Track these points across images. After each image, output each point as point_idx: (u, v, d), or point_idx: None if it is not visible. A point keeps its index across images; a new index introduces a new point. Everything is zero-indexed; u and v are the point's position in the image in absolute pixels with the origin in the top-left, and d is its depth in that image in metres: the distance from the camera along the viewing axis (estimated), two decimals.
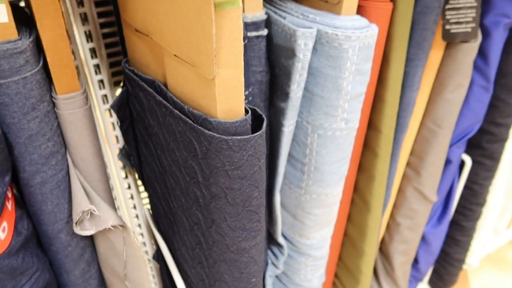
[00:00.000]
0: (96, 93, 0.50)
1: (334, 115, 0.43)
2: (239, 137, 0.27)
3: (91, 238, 0.42)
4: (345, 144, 0.46)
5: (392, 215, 0.68)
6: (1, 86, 0.30)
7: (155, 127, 0.35)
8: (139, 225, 0.64)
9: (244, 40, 0.33)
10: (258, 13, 0.38)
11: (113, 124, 0.53)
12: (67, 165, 0.36)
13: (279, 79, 0.43)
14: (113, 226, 0.36)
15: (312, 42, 0.39)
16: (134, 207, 0.62)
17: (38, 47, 0.32)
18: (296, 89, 0.41)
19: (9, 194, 0.35)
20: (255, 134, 0.28)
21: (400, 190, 0.66)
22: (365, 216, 0.59)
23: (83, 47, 0.46)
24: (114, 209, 0.43)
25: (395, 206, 0.67)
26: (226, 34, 0.24)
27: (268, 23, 0.41)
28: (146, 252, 0.67)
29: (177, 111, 0.30)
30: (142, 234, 0.65)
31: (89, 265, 0.43)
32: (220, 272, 0.38)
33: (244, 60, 0.36)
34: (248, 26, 0.36)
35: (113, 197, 0.58)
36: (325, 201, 0.49)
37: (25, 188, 0.35)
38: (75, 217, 0.34)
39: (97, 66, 0.48)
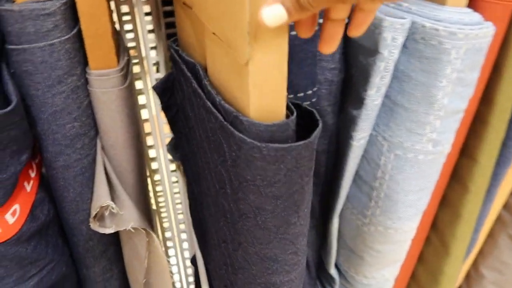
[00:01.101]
0: (151, 76, 0.46)
1: (420, 133, 0.34)
2: (276, 145, 0.20)
3: (116, 235, 0.38)
4: (429, 172, 0.36)
5: (475, 264, 0.57)
6: (25, 51, 0.26)
7: (192, 119, 0.29)
8: (184, 223, 0.60)
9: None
10: None
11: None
12: (95, 151, 0.32)
13: (355, 81, 0.35)
14: (134, 229, 0.31)
15: (403, 37, 0.30)
16: (181, 203, 0.57)
17: (75, 13, 0.28)
18: (374, 95, 0.33)
19: (32, 173, 0.32)
20: (298, 143, 0.21)
21: (491, 235, 0.54)
22: (442, 260, 0.49)
23: (142, 23, 0.42)
24: (146, 206, 0.38)
25: (481, 254, 0.56)
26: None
27: None
28: (181, 253, 0.63)
29: (209, 103, 0.25)
30: (184, 232, 0.60)
31: (112, 264, 0.39)
32: None
33: (312, 52, 0.29)
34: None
35: (151, 192, 0.55)
36: (393, 237, 0.40)
37: (48, 170, 0.32)
38: (93, 211, 0.30)
39: (154, 48, 0.44)
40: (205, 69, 0.27)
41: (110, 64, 0.29)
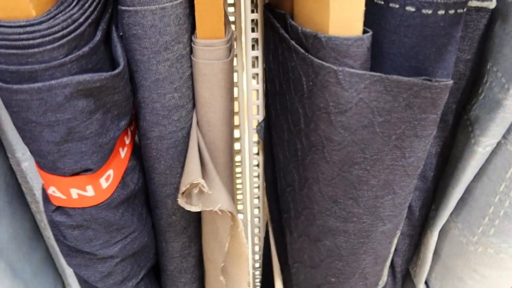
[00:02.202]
0: (247, 53, 0.44)
1: None
2: (351, 70, 0.22)
3: (199, 213, 0.37)
4: None
5: None
6: (137, 14, 0.25)
7: (273, 70, 0.30)
8: (259, 208, 0.58)
9: (461, 8, 0.22)
10: None
11: (257, 92, 0.47)
12: (190, 125, 0.30)
13: (489, 76, 0.29)
14: (221, 211, 0.29)
15: None
16: (258, 187, 0.56)
17: None
18: None
19: (127, 140, 0.32)
20: (373, 74, 0.22)
21: None
22: None
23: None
24: (232, 188, 0.37)
25: None
26: None
27: None
28: (252, 238, 0.62)
29: (292, 42, 0.25)
30: (259, 218, 0.59)
31: (191, 241, 0.38)
32: (302, 250, 0.32)
33: (455, 38, 0.25)
34: None
35: (234, 174, 0.53)
36: (505, 263, 0.35)
37: (142, 139, 0.31)
38: (182, 187, 0.29)
39: (255, 23, 0.42)
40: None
41: (218, 34, 0.27)
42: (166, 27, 0.25)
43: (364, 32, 0.23)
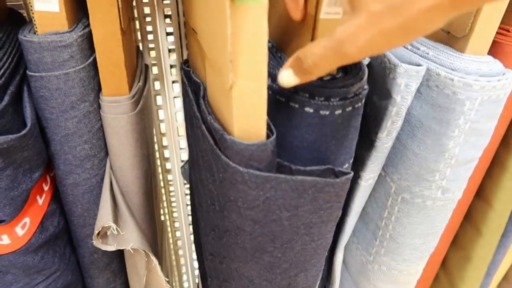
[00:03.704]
0: (169, 94, 0.47)
1: (429, 180, 0.33)
2: (256, 172, 0.23)
3: (121, 250, 0.39)
4: (438, 218, 0.35)
5: None
6: (42, 79, 0.28)
7: (191, 137, 0.31)
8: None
9: (359, 102, 0.25)
10: None
11: (178, 129, 0.50)
12: (104, 171, 0.33)
13: (367, 121, 0.34)
14: (133, 249, 0.32)
15: (417, 83, 0.30)
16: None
17: (92, 42, 0.29)
18: (384, 138, 0.32)
19: (45, 187, 0.34)
20: (278, 175, 0.22)
21: (506, 279, 0.52)
22: None
23: (162, 44, 0.43)
24: (151, 225, 0.39)
25: None
26: (246, 36, 0.19)
27: None
28: (190, 254, 0.64)
29: (203, 126, 0.26)
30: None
31: (116, 275, 0.40)
32: None
33: (354, 127, 0.28)
34: None
35: (163, 210, 0.56)
36: (396, 278, 0.39)
37: (59, 186, 0.33)
38: (96, 229, 0.31)
39: (173, 67, 0.45)
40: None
41: (122, 91, 0.30)
42: (71, 89, 0.28)
43: (268, 136, 0.23)
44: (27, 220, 0.31)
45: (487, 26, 0.28)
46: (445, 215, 0.36)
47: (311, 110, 0.24)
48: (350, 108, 0.25)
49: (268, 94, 0.23)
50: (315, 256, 0.28)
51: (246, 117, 0.22)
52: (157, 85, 0.47)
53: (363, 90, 0.26)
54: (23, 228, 0.31)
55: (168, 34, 0.43)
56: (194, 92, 0.30)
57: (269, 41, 0.26)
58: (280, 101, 0.25)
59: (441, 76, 0.29)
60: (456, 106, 0.29)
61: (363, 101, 0.26)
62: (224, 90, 0.22)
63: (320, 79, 0.25)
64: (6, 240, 0.30)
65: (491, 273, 0.48)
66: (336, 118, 0.25)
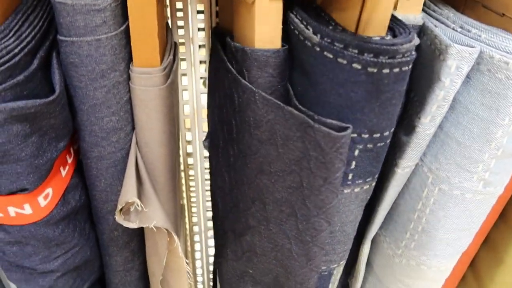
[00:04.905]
0: (195, 75, 0.46)
1: (471, 171, 0.31)
2: (263, 94, 0.26)
3: (141, 228, 0.38)
4: (475, 212, 0.33)
5: None
6: (73, 44, 0.26)
7: (215, 85, 0.34)
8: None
9: (406, 66, 0.25)
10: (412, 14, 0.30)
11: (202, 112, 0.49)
12: (130, 145, 0.32)
13: (411, 106, 0.32)
14: (156, 227, 0.31)
15: (469, 66, 0.28)
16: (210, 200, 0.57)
17: (126, 10, 0.28)
18: (427, 124, 0.30)
19: (69, 159, 0.33)
20: (278, 102, 0.26)
21: None
22: None
23: (193, 21, 0.41)
24: (174, 205, 0.38)
25: None
26: None
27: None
28: (206, 248, 0.63)
29: (228, 64, 0.29)
30: (211, 229, 0.60)
31: (134, 255, 0.39)
32: (226, 245, 0.37)
33: (399, 92, 0.27)
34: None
35: (185, 189, 0.55)
36: (425, 274, 0.38)
37: (83, 158, 0.32)
38: (119, 205, 0.30)
39: (203, 46, 0.44)
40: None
41: (153, 62, 0.29)
42: (102, 57, 0.27)
43: (283, 46, 0.27)
44: (49, 190, 0.30)
45: None
46: (484, 211, 0.34)
47: (359, 67, 0.24)
48: (397, 70, 0.24)
49: (316, 51, 0.25)
50: (304, 206, 0.28)
51: (265, 30, 0.26)
52: (183, 64, 0.45)
53: (411, 54, 0.25)
54: (46, 198, 0.30)
55: (198, 12, 0.41)
56: (220, 43, 0.32)
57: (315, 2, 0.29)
58: (327, 58, 0.25)
59: (494, 59, 0.27)
60: (508, 92, 0.27)
61: (410, 66, 0.25)
62: (247, 7, 0.26)
63: (370, 38, 0.24)
64: (28, 209, 0.29)
65: None
66: (383, 77, 0.24)
